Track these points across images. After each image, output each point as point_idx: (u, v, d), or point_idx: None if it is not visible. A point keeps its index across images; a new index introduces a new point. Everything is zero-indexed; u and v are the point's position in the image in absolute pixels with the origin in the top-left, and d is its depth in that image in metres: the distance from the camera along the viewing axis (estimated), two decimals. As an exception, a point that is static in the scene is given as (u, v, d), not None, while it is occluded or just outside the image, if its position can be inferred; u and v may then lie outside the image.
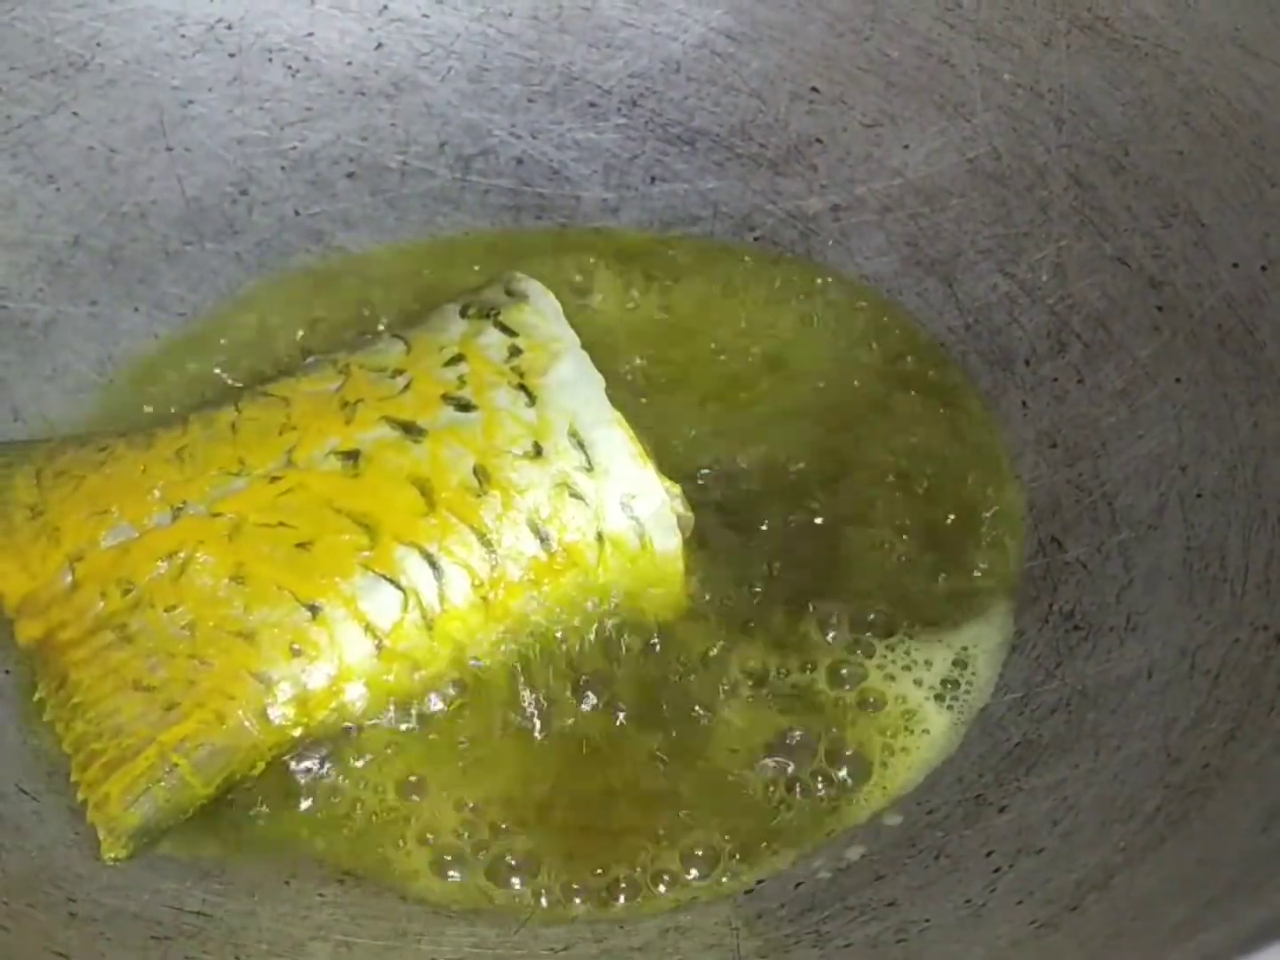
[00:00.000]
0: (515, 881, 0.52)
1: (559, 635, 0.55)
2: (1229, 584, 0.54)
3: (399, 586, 0.53)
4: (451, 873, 0.52)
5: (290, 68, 0.68)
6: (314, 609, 0.52)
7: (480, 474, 0.54)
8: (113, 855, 0.50)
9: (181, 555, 0.53)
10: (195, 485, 0.54)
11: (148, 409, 0.62)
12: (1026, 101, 0.64)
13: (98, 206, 0.65)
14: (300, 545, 0.53)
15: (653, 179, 0.71)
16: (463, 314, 0.60)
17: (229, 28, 0.67)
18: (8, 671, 0.55)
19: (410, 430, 0.55)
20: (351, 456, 0.54)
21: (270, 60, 0.68)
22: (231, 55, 0.67)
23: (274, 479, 0.54)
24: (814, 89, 0.69)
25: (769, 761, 0.55)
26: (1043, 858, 0.49)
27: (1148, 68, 0.61)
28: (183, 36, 0.67)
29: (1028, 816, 0.52)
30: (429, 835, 0.52)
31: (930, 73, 0.66)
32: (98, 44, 0.65)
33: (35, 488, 0.56)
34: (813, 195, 0.69)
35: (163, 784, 0.50)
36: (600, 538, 0.55)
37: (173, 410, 0.62)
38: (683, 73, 0.70)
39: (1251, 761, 0.48)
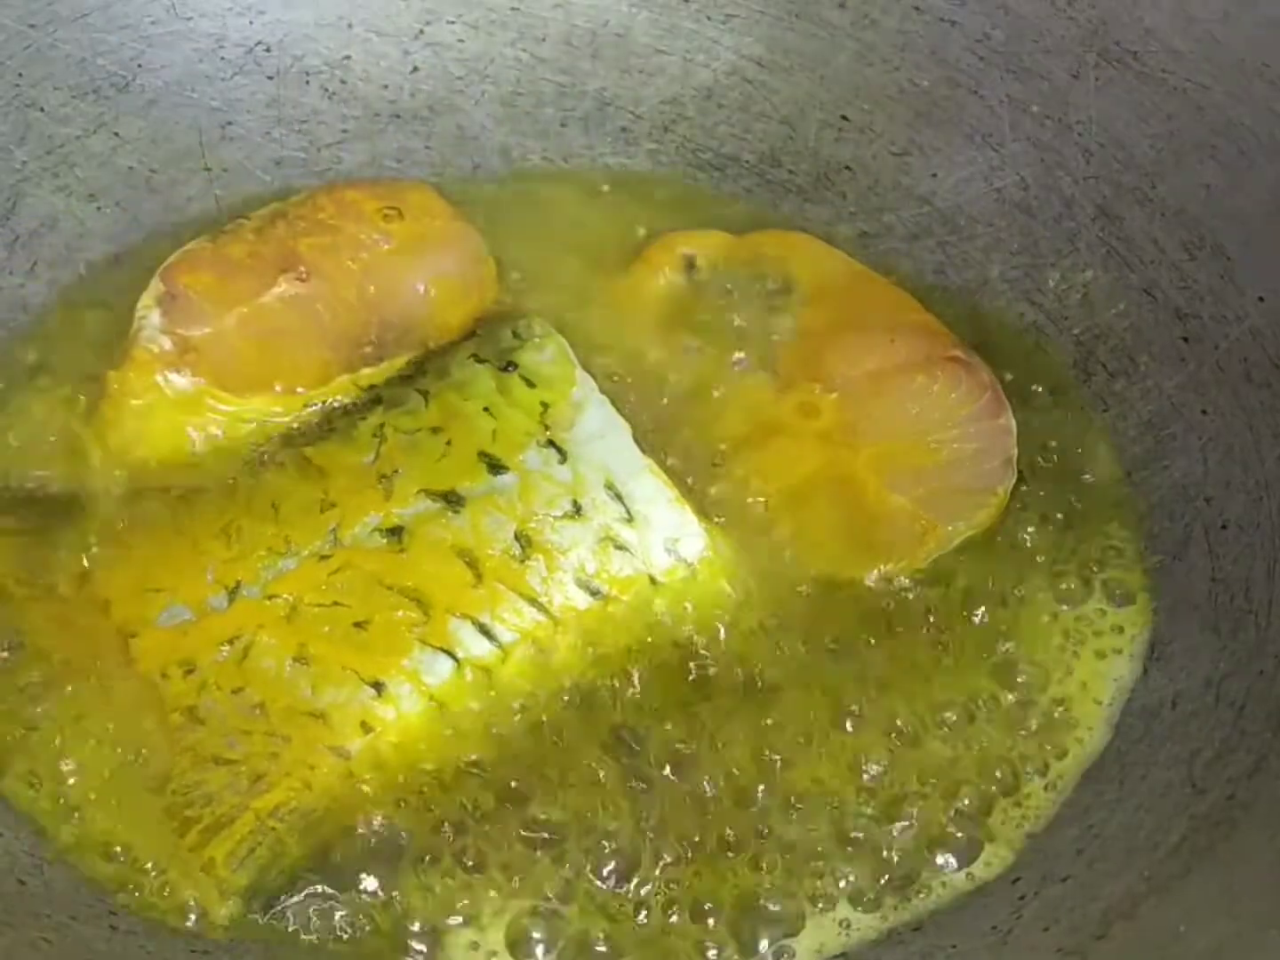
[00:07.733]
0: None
1: (621, 671, 0.55)
2: (1254, 615, 0.54)
3: (455, 657, 0.53)
4: (492, 893, 0.52)
5: (327, 90, 0.69)
6: (378, 686, 0.53)
7: (522, 540, 0.55)
8: (224, 914, 0.50)
9: (243, 639, 0.53)
10: (246, 565, 0.55)
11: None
12: (1055, 133, 0.65)
13: (137, 225, 0.66)
14: (357, 624, 0.54)
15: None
16: (479, 362, 0.60)
17: (268, 50, 0.68)
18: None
19: (450, 500, 0.56)
20: (395, 533, 0.55)
21: (308, 83, 0.69)
22: (270, 78, 0.68)
23: (323, 558, 0.55)
24: (844, 117, 0.69)
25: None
26: (1068, 886, 0.50)
27: (1176, 102, 0.62)
28: (222, 59, 0.68)
29: (1053, 844, 0.52)
30: (466, 861, 0.52)
31: (959, 103, 0.67)
32: (139, 65, 0.66)
33: (82, 555, 0.56)
34: (841, 222, 0.70)
35: (264, 847, 0.50)
36: (653, 581, 0.56)
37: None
38: (714, 100, 0.71)
39: (1276, 793, 0.48)
